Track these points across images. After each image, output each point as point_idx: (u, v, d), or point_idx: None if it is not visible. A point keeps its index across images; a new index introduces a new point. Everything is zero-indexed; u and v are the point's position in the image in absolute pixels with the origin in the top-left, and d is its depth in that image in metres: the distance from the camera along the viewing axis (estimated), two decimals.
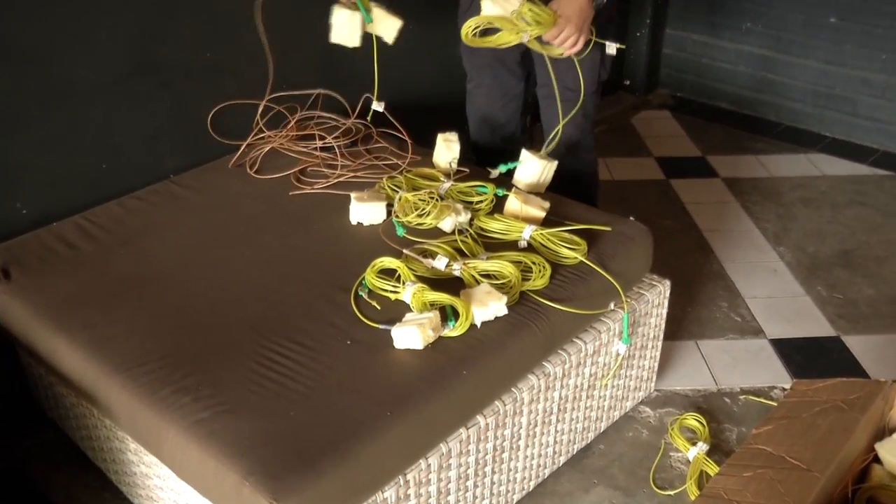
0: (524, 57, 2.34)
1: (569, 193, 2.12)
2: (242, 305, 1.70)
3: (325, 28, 2.05)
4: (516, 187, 2.05)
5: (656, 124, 3.80)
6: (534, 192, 2.04)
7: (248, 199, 2.08)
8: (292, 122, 2.27)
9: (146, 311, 1.68)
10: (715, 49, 3.82)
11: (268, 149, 2.22)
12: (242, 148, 2.24)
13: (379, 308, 1.67)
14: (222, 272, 1.81)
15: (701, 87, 3.91)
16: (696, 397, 2.21)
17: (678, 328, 2.46)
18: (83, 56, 2.01)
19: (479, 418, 1.62)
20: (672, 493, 1.92)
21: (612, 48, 2.11)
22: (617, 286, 1.82)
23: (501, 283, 1.72)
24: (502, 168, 2.10)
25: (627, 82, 4.01)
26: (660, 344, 2.11)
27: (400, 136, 2.23)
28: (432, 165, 2.16)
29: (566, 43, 2.02)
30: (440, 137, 2.18)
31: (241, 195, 2.10)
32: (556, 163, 2.08)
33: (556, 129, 2.19)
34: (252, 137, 2.25)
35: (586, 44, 2.06)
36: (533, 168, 2.07)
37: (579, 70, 2.16)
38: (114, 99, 2.10)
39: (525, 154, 2.08)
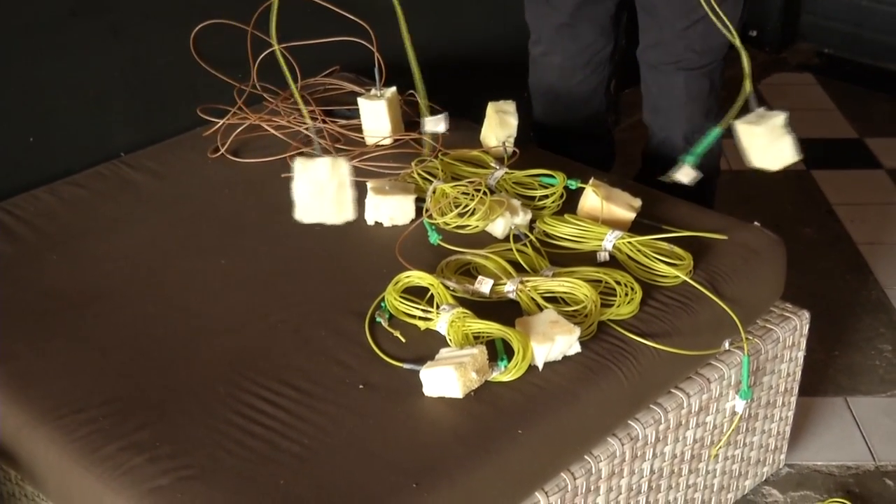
0: (620, 7, 2.36)
1: (679, 194, 2.14)
2: (217, 334, 1.74)
3: None
4: (595, 179, 2.06)
5: (794, 92, 3.78)
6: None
7: (228, 188, 2.12)
8: (277, 104, 2.31)
9: (86, 340, 1.72)
10: None
11: (256, 118, 2.26)
12: (223, 123, 2.29)
13: (404, 340, 1.70)
14: (190, 289, 1.85)
15: (860, 40, 3.89)
16: (846, 476, 2.21)
17: (821, 379, 2.45)
18: None
19: (539, 496, 1.63)
20: None
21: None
22: (734, 318, 1.83)
23: (573, 311, 1.74)
24: (690, 159, 1.95)
25: (754, 33, 4.00)
26: (794, 400, 2.11)
27: (434, 106, 2.26)
28: (479, 146, 2.19)
29: None
30: (491, 108, 2.21)
31: (218, 183, 2.14)
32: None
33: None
34: (242, 102, 2.28)
35: None
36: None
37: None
38: (46, 48, 2.15)
39: None
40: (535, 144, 2.29)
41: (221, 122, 2.26)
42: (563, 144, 2.38)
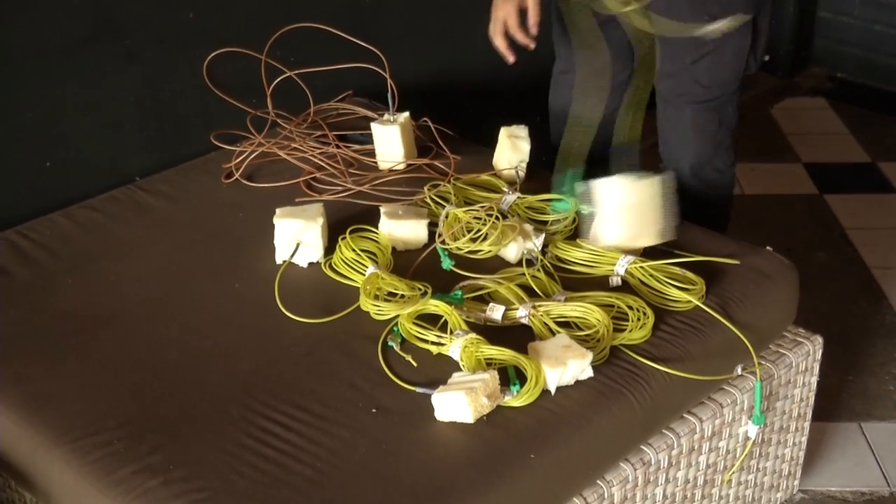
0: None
1: (692, 220, 2.14)
2: (230, 357, 1.75)
3: None
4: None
5: (806, 117, 3.79)
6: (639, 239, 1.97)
7: (241, 212, 2.14)
8: (290, 130, 2.33)
9: (101, 363, 1.74)
10: (893, 12, 3.81)
11: (269, 145, 2.28)
12: (241, 154, 2.31)
13: (416, 365, 1.71)
14: (204, 312, 1.86)
15: (873, 64, 3.90)
16: (860, 503, 2.20)
17: (835, 404, 2.45)
18: (21, 14, 2.09)
19: None
20: None
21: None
22: (747, 343, 1.83)
23: (585, 335, 1.74)
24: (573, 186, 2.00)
25: (767, 58, 4.01)
26: (808, 426, 2.11)
27: (446, 131, 2.28)
28: (492, 171, 2.21)
29: None
30: (504, 132, 2.22)
31: (231, 207, 2.16)
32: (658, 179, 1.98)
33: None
34: (264, 133, 2.30)
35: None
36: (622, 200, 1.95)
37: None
38: (62, 73, 2.18)
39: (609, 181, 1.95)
40: (547, 169, 2.30)
41: (238, 149, 2.27)
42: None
